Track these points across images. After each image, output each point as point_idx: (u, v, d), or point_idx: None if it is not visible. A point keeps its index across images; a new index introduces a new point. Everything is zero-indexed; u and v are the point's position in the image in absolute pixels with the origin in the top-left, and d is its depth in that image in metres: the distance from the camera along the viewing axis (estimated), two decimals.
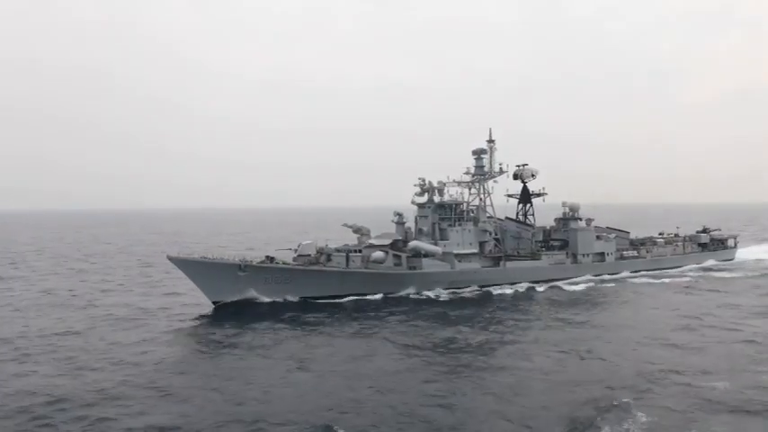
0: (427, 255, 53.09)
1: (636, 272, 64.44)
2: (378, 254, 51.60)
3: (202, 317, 43.53)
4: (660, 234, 78.87)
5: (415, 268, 52.70)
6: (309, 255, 51.77)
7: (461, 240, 55.93)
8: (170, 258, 47.37)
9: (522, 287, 55.15)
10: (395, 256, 52.34)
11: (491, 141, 61.44)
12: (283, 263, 50.13)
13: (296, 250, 52.44)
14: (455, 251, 54.78)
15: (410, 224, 59.04)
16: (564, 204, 67.12)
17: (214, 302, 47.11)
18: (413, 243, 53.14)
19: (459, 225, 56.36)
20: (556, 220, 67.81)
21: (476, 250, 56.48)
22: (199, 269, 47.20)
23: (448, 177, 60.19)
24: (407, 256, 52.74)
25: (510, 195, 66.78)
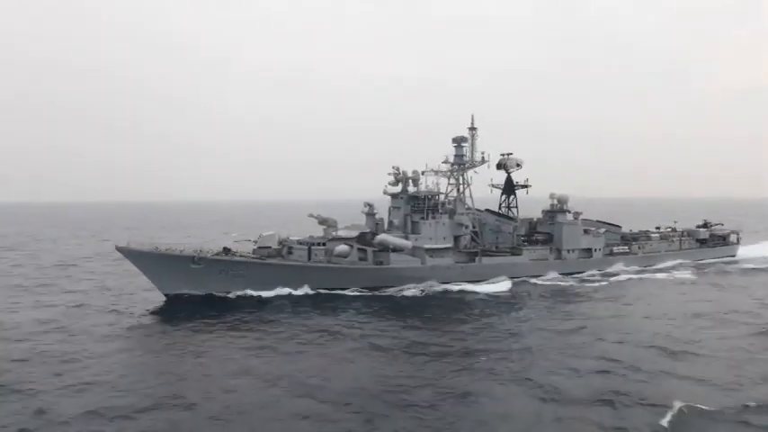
0: (396, 249, 50.26)
1: (626, 269, 60.88)
2: (341, 247, 48.90)
3: (151, 311, 41.65)
4: (657, 228, 74.80)
5: (381, 263, 49.94)
6: (270, 247, 49.29)
7: (434, 234, 52.86)
8: (119, 249, 45.21)
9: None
10: (360, 250, 49.58)
11: (473, 129, 57.69)
12: (240, 255, 47.73)
13: (256, 242, 49.93)
14: (427, 246, 51.83)
15: (384, 216, 56.10)
16: (552, 196, 63.41)
17: (166, 295, 45.15)
18: (380, 237, 50.21)
19: (433, 218, 53.20)
20: (543, 212, 64.26)
21: (450, 245, 53.40)
22: (149, 261, 45.08)
23: (426, 166, 56.96)
24: (374, 251, 49.94)
25: (494, 186, 63.21)
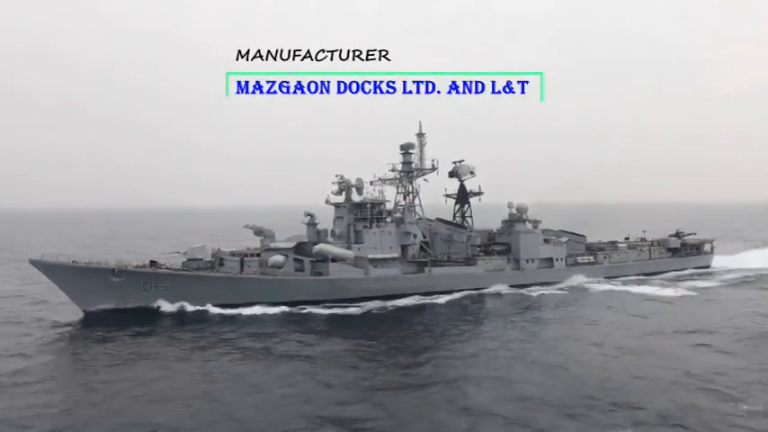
0: (336, 259, 47.64)
1: (589, 280, 57.90)
2: (276, 258, 46.26)
3: (70, 327, 38.84)
4: (626, 238, 72.11)
5: (321, 274, 47.22)
6: (201, 259, 46.72)
7: (379, 243, 50.30)
8: (33, 262, 42.57)
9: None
10: (296, 260, 46.91)
11: (421, 135, 55.81)
12: (166, 267, 45.08)
13: (185, 254, 47.34)
14: (371, 255, 49.19)
15: (328, 226, 53.64)
16: (510, 205, 61.02)
17: (85, 312, 42.29)
18: (318, 246, 47.64)
19: (378, 226, 50.77)
20: (503, 222, 61.77)
21: (396, 255, 50.72)
22: (65, 274, 42.33)
23: (374, 175, 54.91)
24: (312, 261, 47.28)
25: (448, 195, 60.91)
